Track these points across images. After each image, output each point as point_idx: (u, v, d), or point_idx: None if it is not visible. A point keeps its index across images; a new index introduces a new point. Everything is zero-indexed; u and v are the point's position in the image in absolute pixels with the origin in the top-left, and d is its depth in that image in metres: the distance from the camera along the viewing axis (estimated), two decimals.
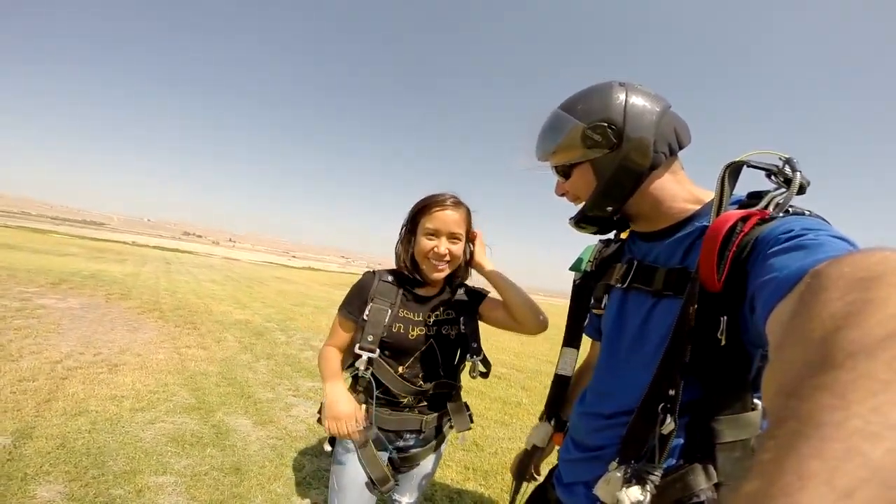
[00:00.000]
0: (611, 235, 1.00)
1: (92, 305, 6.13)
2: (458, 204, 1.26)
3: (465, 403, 1.41)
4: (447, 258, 1.24)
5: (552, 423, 1.08)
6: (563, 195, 0.90)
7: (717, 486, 0.66)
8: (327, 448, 1.30)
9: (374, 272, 1.34)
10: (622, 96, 0.75)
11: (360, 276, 1.35)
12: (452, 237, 1.25)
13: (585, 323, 1.03)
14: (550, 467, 1.03)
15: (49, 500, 1.80)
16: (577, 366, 1.10)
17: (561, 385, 1.07)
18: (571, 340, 1.05)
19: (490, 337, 8.69)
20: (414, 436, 1.32)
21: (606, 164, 0.76)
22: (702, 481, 0.65)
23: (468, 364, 1.34)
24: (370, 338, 1.23)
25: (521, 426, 3.69)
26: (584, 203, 0.84)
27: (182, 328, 5.57)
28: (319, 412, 1.26)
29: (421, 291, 1.33)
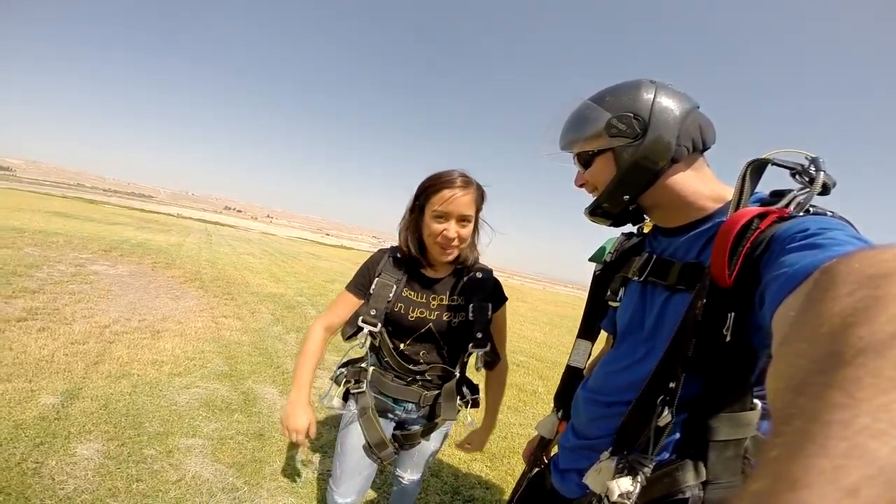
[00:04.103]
0: (633, 229, 0.99)
1: (139, 273, 6.51)
2: (467, 183, 1.19)
3: (473, 396, 1.40)
4: (456, 242, 1.20)
5: (559, 414, 1.08)
6: (581, 186, 0.89)
7: (705, 484, 0.66)
8: (336, 403, 1.35)
9: (386, 249, 1.33)
10: (651, 92, 0.77)
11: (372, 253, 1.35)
12: (462, 220, 1.19)
13: (603, 319, 1.03)
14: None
15: (87, 457, 1.93)
16: (592, 358, 1.10)
17: (572, 377, 1.07)
18: (586, 332, 1.06)
19: (513, 325, 8.66)
20: (413, 406, 1.33)
21: (628, 153, 0.77)
22: (690, 478, 0.66)
23: (474, 355, 1.32)
24: (373, 311, 1.24)
25: (534, 414, 3.69)
26: (600, 192, 0.84)
27: (220, 298, 5.83)
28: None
29: (428, 273, 1.30)
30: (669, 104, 0.76)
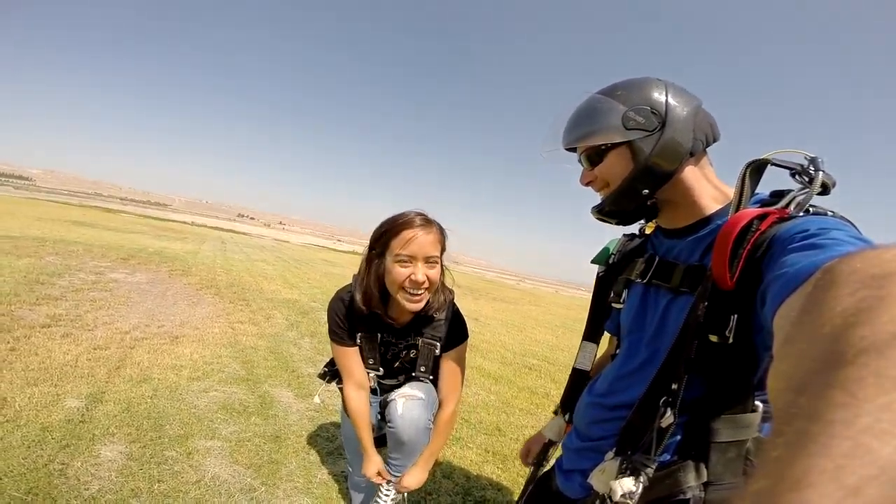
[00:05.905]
0: (635, 230, 0.98)
1: (156, 280, 6.64)
2: (428, 222, 1.12)
3: None
4: (426, 285, 1.10)
5: (566, 417, 1.08)
6: (588, 184, 0.87)
7: (706, 485, 0.66)
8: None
9: (343, 301, 1.24)
10: (662, 87, 0.77)
11: (330, 304, 1.28)
12: (429, 261, 1.10)
13: (607, 321, 1.03)
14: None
15: (111, 459, 1.99)
16: (596, 360, 1.10)
17: (578, 379, 1.07)
18: (591, 335, 1.06)
19: (525, 329, 8.61)
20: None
21: (646, 146, 0.76)
22: (691, 479, 0.66)
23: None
24: (371, 361, 1.29)
25: (546, 416, 3.64)
26: (613, 189, 0.82)
27: (235, 304, 5.91)
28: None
29: (398, 318, 1.25)
30: (681, 99, 0.76)
